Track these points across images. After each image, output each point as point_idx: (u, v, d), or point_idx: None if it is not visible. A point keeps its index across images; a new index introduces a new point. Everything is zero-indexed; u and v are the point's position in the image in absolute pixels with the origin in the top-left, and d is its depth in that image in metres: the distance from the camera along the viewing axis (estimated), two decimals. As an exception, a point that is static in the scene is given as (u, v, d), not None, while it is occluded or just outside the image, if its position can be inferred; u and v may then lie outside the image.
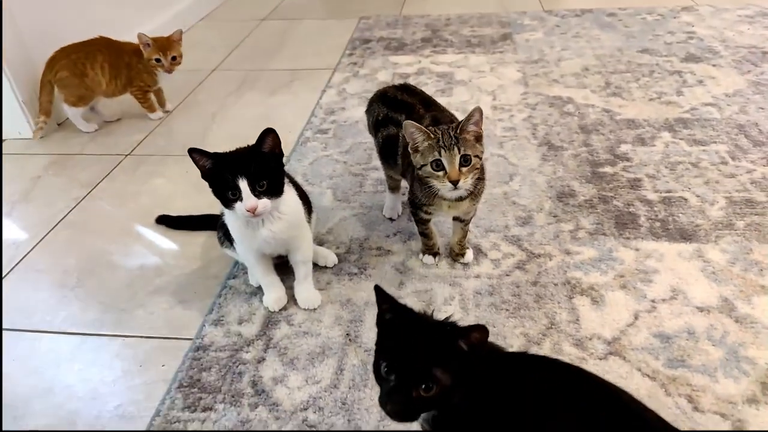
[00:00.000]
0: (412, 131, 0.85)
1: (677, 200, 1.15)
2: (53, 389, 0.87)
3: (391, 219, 1.16)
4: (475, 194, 0.91)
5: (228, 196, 0.81)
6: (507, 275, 1.01)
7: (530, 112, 1.54)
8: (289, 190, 0.88)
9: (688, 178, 1.22)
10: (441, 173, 0.84)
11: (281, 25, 2.38)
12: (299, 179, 1.33)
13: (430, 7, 2.43)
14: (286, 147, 1.47)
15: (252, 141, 0.84)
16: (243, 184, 0.80)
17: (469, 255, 1.04)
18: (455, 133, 0.84)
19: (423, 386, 0.54)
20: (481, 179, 0.90)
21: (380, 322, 0.60)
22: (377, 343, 0.60)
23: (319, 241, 1.12)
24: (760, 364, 0.81)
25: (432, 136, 0.84)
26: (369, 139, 1.45)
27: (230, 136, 1.51)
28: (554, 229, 1.11)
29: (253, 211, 0.81)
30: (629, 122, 1.44)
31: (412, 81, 1.77)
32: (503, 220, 1.14)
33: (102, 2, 1.88)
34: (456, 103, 1.62)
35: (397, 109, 1.02)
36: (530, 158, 1.33)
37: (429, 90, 1.70)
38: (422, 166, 0.86)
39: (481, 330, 0.55)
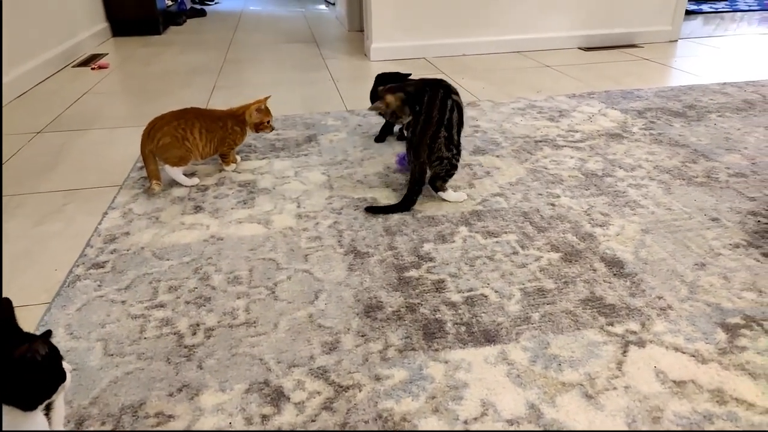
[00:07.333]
0: None
1: (478, 298, 1.15)
2: None
3: None
4: None
5: None
6: (312, 421, 0.88)
7: (336, 217, 1.49)
8: None
9: (486, 272, 1.24)
10: None
11: (60, 138, 2.11)
12: (61, 332, 1.08)
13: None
14: (51, 289, 1.23)
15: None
16: None
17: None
18: None
19: None
20: None
21: None
22: None
23: (79, 420, 0.88)
24: (573, 477, 0.78)
25: None
26: (155, 270, 1.27)
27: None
28: (363, 352, 1.02)
29: None
30: (430, 219, 1.47)
31: (210, 193, 1.64)
32: (308, 349, 1.03)
33: None
34: (258, 214, 1.51)
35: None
36: (337, 270, 1.26)
37: (230, 202, 1.59)
38: None
39: None
